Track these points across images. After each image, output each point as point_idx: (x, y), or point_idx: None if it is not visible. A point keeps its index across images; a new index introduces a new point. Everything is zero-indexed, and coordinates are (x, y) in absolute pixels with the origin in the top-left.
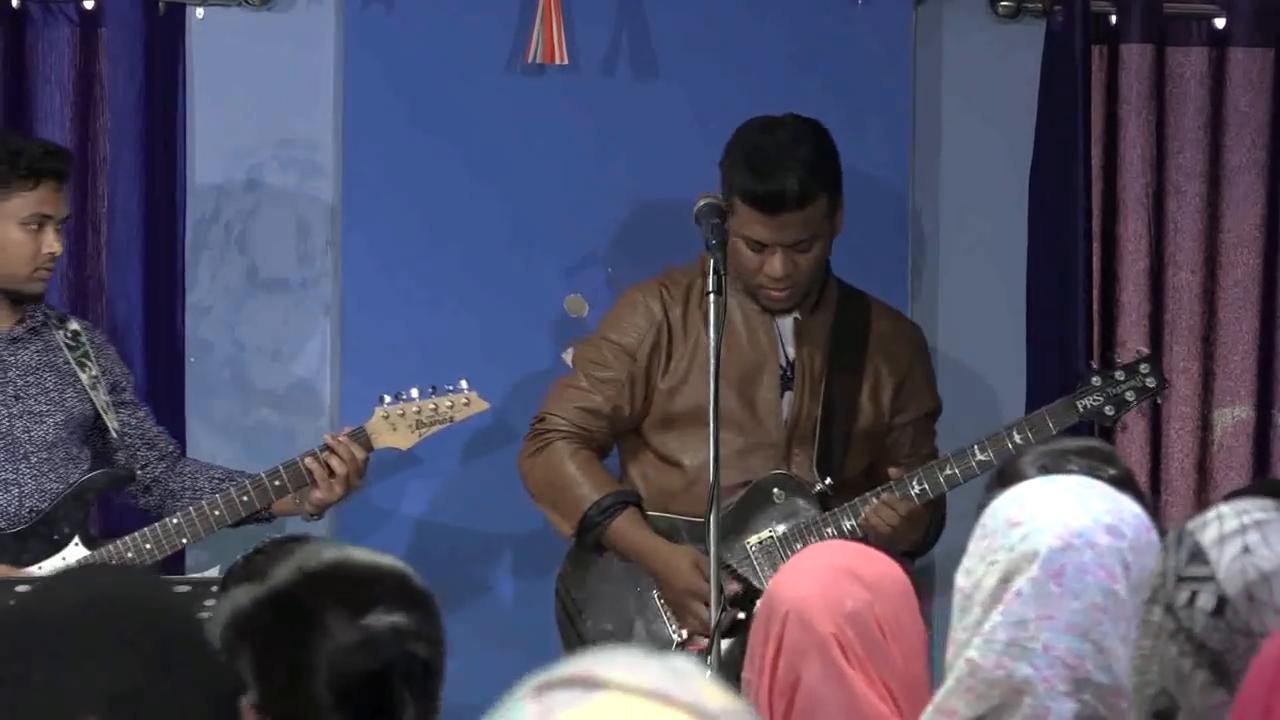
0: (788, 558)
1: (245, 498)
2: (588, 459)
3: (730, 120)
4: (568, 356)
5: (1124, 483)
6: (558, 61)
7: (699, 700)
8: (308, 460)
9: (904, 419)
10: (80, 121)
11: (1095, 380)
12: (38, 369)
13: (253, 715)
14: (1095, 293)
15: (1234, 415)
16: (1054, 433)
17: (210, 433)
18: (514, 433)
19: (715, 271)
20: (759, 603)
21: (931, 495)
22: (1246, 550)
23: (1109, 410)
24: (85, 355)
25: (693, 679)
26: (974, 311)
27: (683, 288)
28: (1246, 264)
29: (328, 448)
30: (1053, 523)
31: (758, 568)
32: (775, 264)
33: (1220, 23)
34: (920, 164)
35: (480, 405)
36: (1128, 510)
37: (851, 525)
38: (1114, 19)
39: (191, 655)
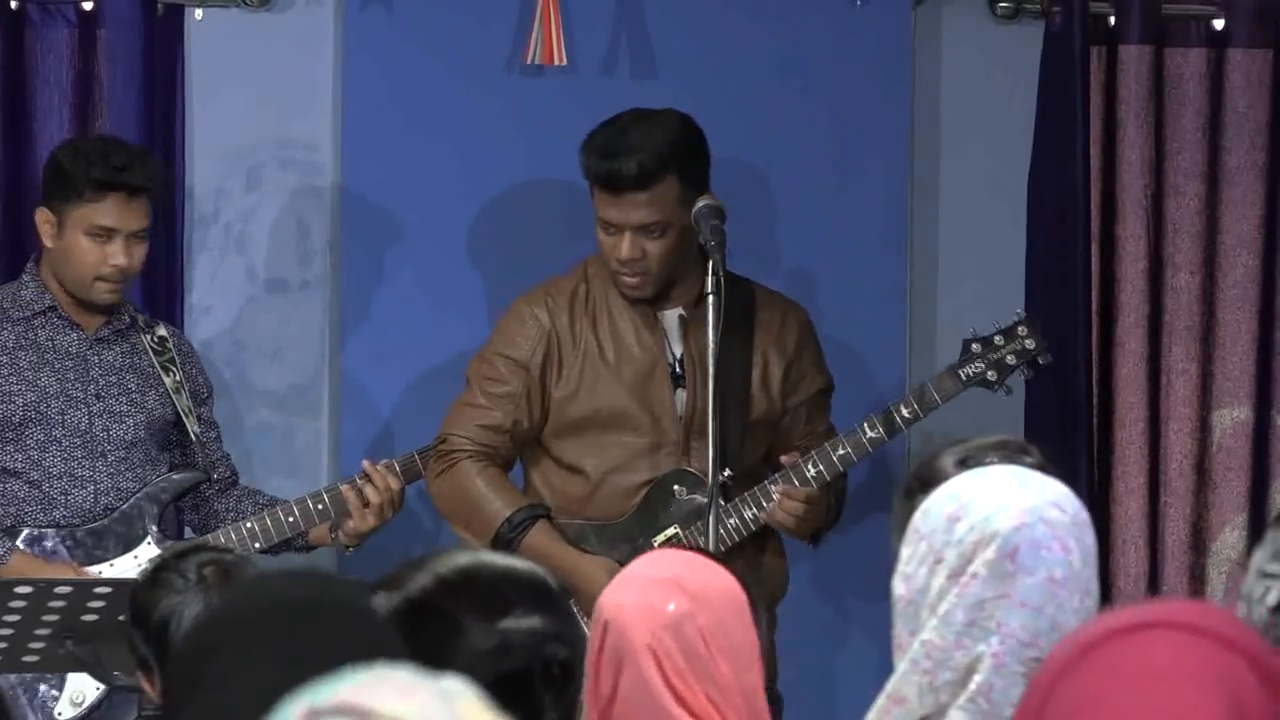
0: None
1: (290, 518)
2: (494, 475)
3: (728, 121)
4: None
5: (1042, 468)
6: (556, 62)
7: None
8: (344, 488)
9: (795, 400)
10: (79, 122)
11: (975, 347)
12: (121, 370)
13: None
14: (1095, 293)
15: (1233, 416)
16: (939, 403)
17: None
18: None
19: (714, 272)
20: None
21: (828, 477)
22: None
23: (991, 375)
24: (171, 360)
25: (461, 704)
26: (973, 312)
27: (567, 295)
28: (1245, 265)
29: (365, 476)
30: (1001, 506)
31: None
32: (623, 246)
33: (1219, 24)
34: (919, 165)
35: None
36: (1061, 489)
37: (753, 514)
38: (1113, 20)
39: (394, 650)
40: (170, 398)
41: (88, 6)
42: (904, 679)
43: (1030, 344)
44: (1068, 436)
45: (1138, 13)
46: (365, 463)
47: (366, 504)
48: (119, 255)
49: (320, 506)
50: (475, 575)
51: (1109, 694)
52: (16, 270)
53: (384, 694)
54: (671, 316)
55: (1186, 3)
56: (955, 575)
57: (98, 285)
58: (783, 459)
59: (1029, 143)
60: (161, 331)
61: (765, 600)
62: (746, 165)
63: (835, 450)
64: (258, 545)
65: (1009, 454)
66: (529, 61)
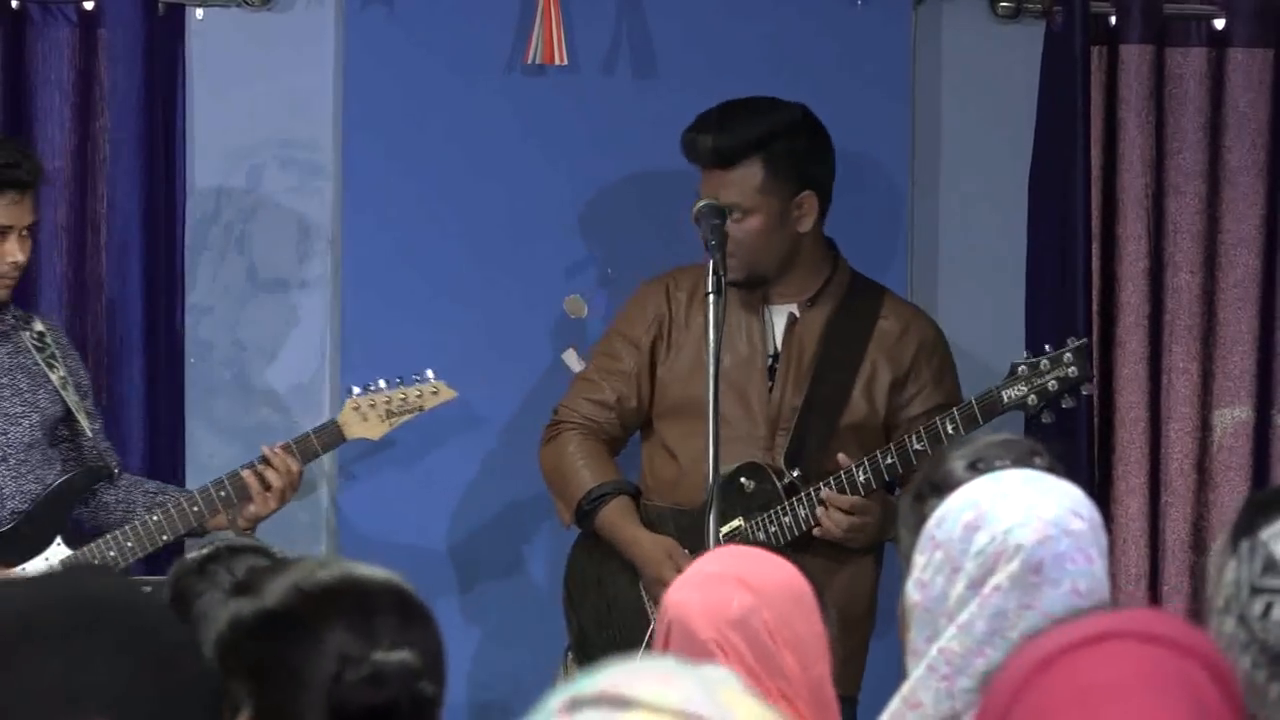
0: (754, 544)
1: (195, 508)
2: (592, 449)
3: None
4: (567, 357)
5: (1053, 470)
6: (557, 62)
7: (728, 716)
8: (245, 474)
9: (910, 414)
10: (80, 122)
11: (1021, 370)
12: (10, 371)
13: None
14: (1095, 293)
15: (1234, 416)
16: (981, 424)
17: (210, 433)
18: (514, 432)
19: (715, 272)
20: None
21: (875, 485)
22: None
23: (1032, 400)
24: (53, 356)
25: (726, 694)
26: (974, 311)
27: (690, 280)
28: (1246, 264)
29: (265, 460)
30: (1022, 517)
31: None
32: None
33: (1220, 23)
34: (920, 165)
35: (448, 394)
36: (1078, 494)
37: (805, 513)
38: (1113, 20)
39: (185, 658)
40: (60, 394)
41: (89, 6)
42: (920, 684)
43: (1073, 371)
44: (1068, 437)
45: (1138, 12)
46: (264, 448)
47: (268, 488)
48: (16, 252)
49: (224, 494)
50: (341, 591)
51: (1070, 708)
52: None
53: (645, 682)
54: (782, 312)
55: (1187, 2)
56: (975, 585)
57: None
58: (839, 458)
59: (1029, 142)
60: (39, 326)
61: (837, 604)
62: None
63: (884, 459)
64: (165, 537)
65: (1020, 456)
66: (530, 61)
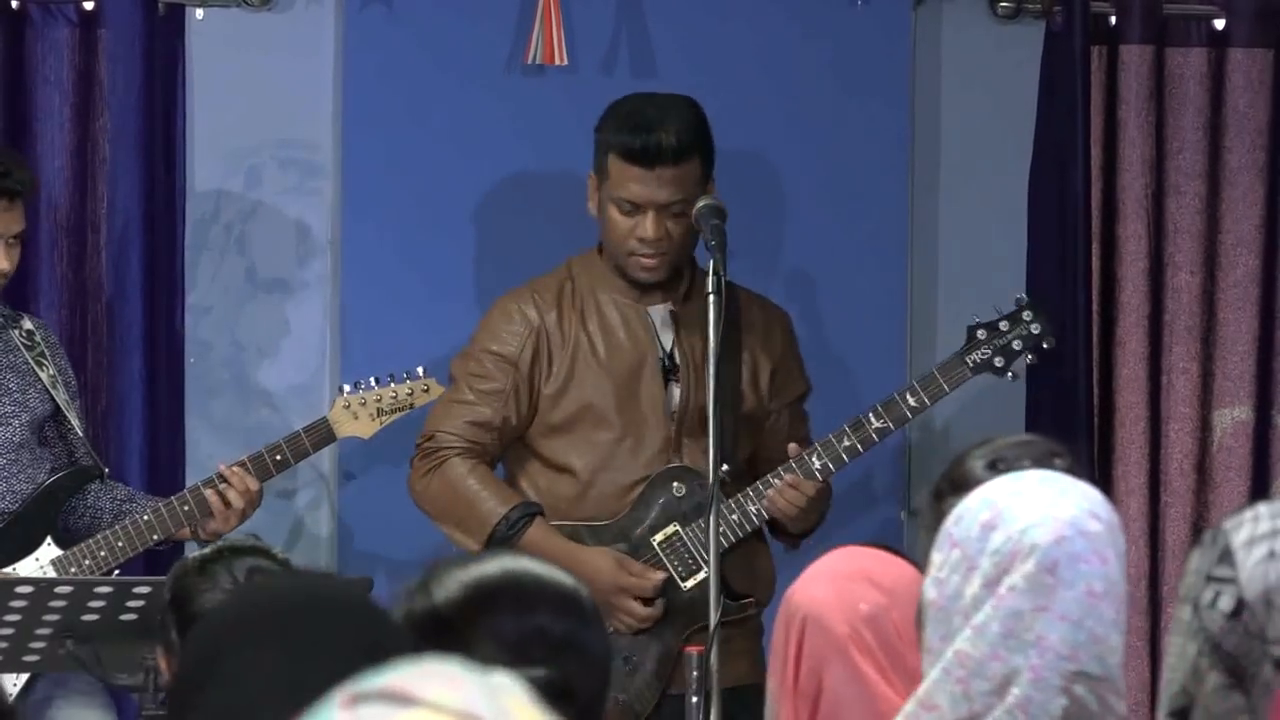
0: (696, 550)
1: (154, 535)
2: (485, 473)
3: (729, 121)
4: None
5: (1072, 471)
6: (557, 62)
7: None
8: (207, 492)
9: (779, 403)
10: (80, 122)
11: (980, 334)
12: (0, 370)
13: None
14: (1095, 293)
15: (1234, 416)
16: (947, 391)
17: (210, 433)
18: None
19: (715, 272)
20: (780, 608)
21: (834, 469)
22: (1272, 555)
23: (998, 361)
24: (42, 354)
25: (507, 698)
26: (974, 311)
27: (554, 291)
28: (1246, 265)
29: (223, 479)
30: (1039, 517)
31: (668, 564)
32: (648, 225)
33: (1220, 23)
34: (919, 165)
35: (439, 390)
36: (1096, 495)
37: (756, 509)
38: (1113, 20)
39: (398, 646)
40: (49, 393)
41: (89, 6)
42: (937, 686)
43: (1035, 328)
44: (1068, 436)
45: (1138, 12)
46: (221, 466)
47: (228, 505)
48: (2, 259)
49: (186, 509)
50: (502, 591)
51: None
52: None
53: (430, 683)
54: (660, 311)
55: (1187, 2)
56: (990, 584)
57: None
58: (790, 447)
59: (1029, 142)
60: (28, 325)
61: (759, 601)
62: (746, 165)
63: (840, 441)
64: (156, 537)
65: (1040, 457)
66: (529, 61)
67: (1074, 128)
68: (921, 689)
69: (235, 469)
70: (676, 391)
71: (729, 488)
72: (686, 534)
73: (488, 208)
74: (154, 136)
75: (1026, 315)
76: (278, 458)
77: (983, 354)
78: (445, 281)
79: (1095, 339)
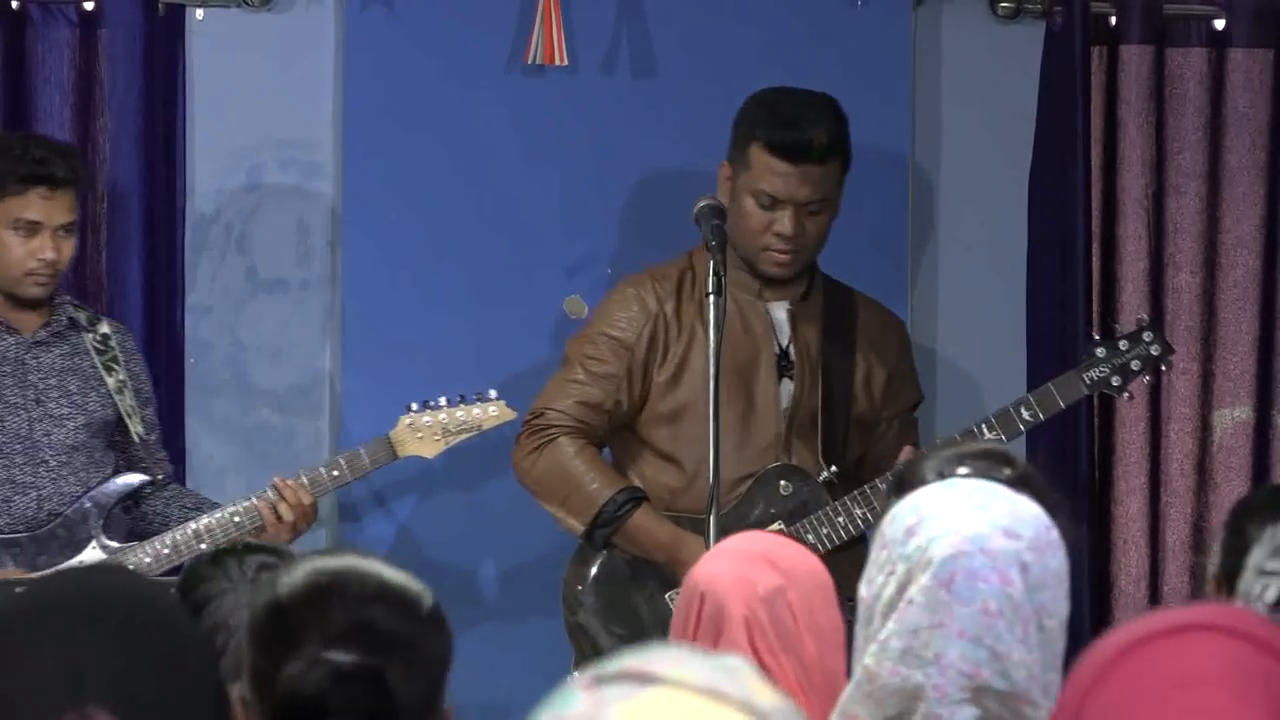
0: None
1: (202, 544)
2: (593, 455)
3: (728, 121)
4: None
5: (1022, 482)
6: (557, 62)
7: (750, 698)
8: (260, 504)
9: (891, 411)
10: (80, 122)
11: (1099, 351)
12: (61, 372)
13: (240, 707)
14: (1095, 293)
15: (1234, 416)
16: (1061, 407)
17: (210, 433)
18: (512, 433)
19: (715, 273)
20: (682, 585)
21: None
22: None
23: (1115, 380)
24: (114, 359)
25: (744, 677)
26: (974, 312)
27: (673, 280)
28: (1246, 265)
29: (277, 492)
30: (946, 530)
31: None
32: (786, 221)
33: (1220, 24)
34: (919, 165)
35: (508, 414)
36: (1025, 510)
37: (863, 513)
38: (1114, 20)
39: (190, 652)
40: (112, 398)
41: (89, 6)
42: (851, 699)
43: (1155, 349)
44: (1068, 436)
45: (1138, 12)
46: (276, 479)
47: (280, 518)
48: (47, 249)
49: (237, 519)
50: (330, 590)
51: (1146, 697)
52: None
53: (669, 663)
54: (779, 309)
55: (1187, 3)
56: (900, 591)
57: (27, 280)
58: (905, 452)
59: (1029, 143)
60: (105, 329)
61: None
62: None
63: None
64: (202, 545)
65: (988, 465)
66: (530, 61)
67: (1074, 128)
68: (842, 699)
69: (289, 482)
70: (790, 389)
71: (835, 490)
72: (790, 532)
73: (487, 208)
74: (154, 136)
75: (1146, 336)
76: (335, 473)
77: (1100, 372)
78: (445, 281)
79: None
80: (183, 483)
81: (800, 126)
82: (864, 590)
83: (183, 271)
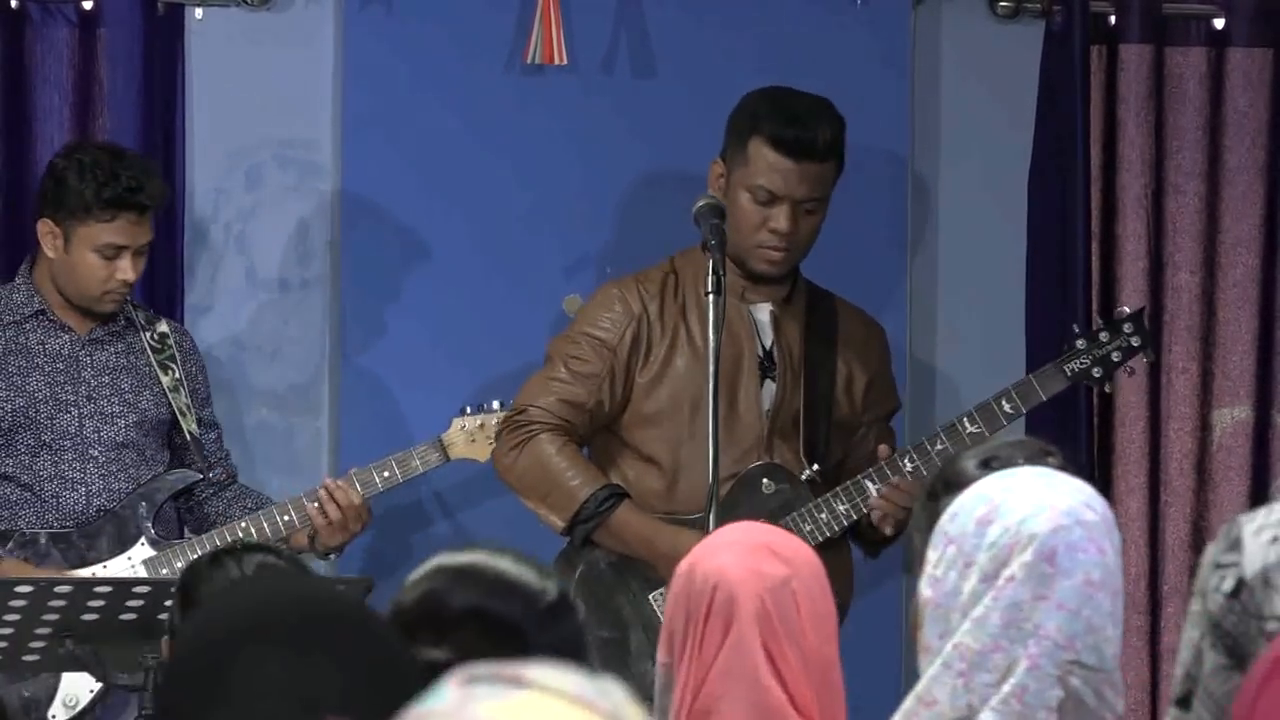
0: None
1: (280, 525)
2: (574, 452)
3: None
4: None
5: (1063, 469)
6: (557, 62)
7: (618, 711)
8: (308, 505)
9: (871, 415)
10: (79, 122)
11: (1080, 343)
12: (115, 370)
13: None
14: (1095, 293)
15: (1234, 416)
16: (1044, 399)
17: None
18: None
19: (715, 271)
20: (675, 576)
21: (925, 472)
22: (1275, 540)
23: (1096, 372)
24: (170, 358)
25: (616, 695)
26: (973, 312)
27: (657, 283)
28: (1246, 264)
29: (327, 492)
30: (1036, 508)
31: None
32: (782, 218)
33: (1219, 23)
34: (919, 164)
35: None
36: (1090, 490)
37: (846, 508)
38: (1113, 19)
39: (401, 659)
40: (166, 396)
41: (88, 6)
42: (935, 681)
43: (1135, 340)
44: (1068, 436)
45: (1138, 12)
46: (326, 480)
47: (329, 521)
48: (128, 271)
49: (286, 519)
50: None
51: None
52: (15, 269)
53: (541, 671)
54: (761, 311)
55: (1187, 2)
56: (989, 579)
57: (104, 298)
58: (880, 449)
59: (1029, 142)
60: (163, 328)
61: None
62: None
63: (934, 445)
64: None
65: (1032, 455)
66: (529, 61)
67: (1074, 127)
68: (920, 685)
69: (339, 483)
70: (772, 390)
71: (818, 488)
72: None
73: (487, 207)
74: (154, 136)
75: (1127, 327)
76: (385, 474)
77: (1081, 363)
78: (444, 281)
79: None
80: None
81: (805, 123)
82: (928, 591)
83: (182, 271)
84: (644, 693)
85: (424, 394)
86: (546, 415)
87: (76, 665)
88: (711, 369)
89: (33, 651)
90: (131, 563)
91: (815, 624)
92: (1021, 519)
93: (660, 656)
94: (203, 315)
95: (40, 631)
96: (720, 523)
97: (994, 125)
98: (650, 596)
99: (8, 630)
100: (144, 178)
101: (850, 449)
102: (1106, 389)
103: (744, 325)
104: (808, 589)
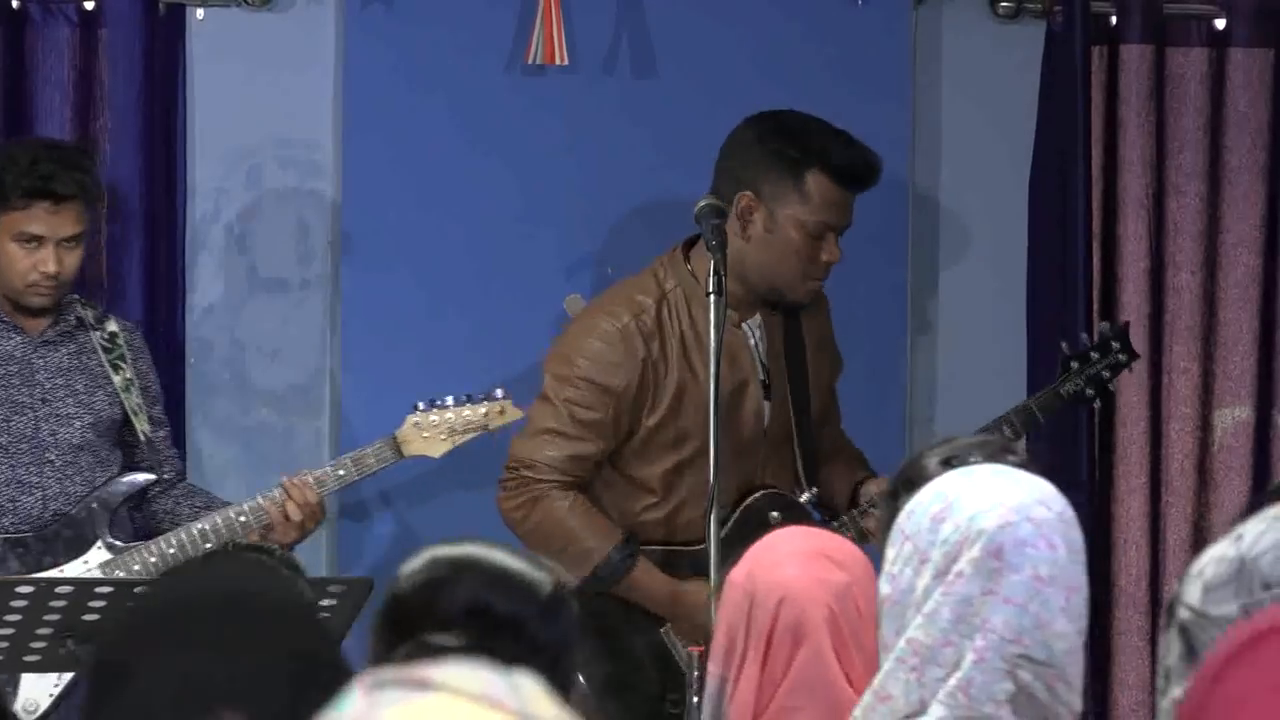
0: None
1: (207, 543)
2: (585, 508)
3: (730, 120)
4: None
5: (1025, 469)
6: (558, 62)
7: (528, 708)
8: (266, 504)
9: (831, 384)
10: (80, 121)
11: (1074, 365)
12: (68, 371)
13: None
14: (1095, 293)
15: (1234, 416)
16: (1041, 423)
17: (210, 433)
18: (513, 433)
19: (715, 272)
20: (728, 585)
21: None
22: (1239, 538)
23: (1089, 392)
24: (120, 358)
25: (528, 691)
26: (974, 312)
27: (653, 315)
28: (1246, 264)
29: (285, 491)
30: (988, 504)
31: None
32: (835, 248)
33: (1220, 23)
34: (920, 165)
35: (515, 414)
36: (1047, 486)
37: (855, 536)
38: (1114, 20)
39: (321, 652)
40: (119, 396)
41: (89, 6)
42: (890, 676)
43: (1123, 356)
44: (1069, 436)
45: (1139, 12)
46: (284, 478)
47: (287, 518)
48: (49, 262)
49: (243, 519)
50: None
51: (1272, 691)
52: None
53: (448, 672)
54: (755, 327)
55: (1188, 2)
56: (941, 574)
57: (28, 291)
58: (872, 488)
59: (1029, 142)
60: (112, 327)
61: None
62: None
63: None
64: (208, 545)
65: (992, 452)
66: (530, 61)
67: (1074, 128)
68: (876, 680)
69: (295, 482)
70: (767, 409)
71: (822, 512)
72: None
73: (488, 207)
74: (154, 136)
75: (1115, 344)
76: (340, 473)
77: (1075, 385)
78: (445, 280)
79: (1096, 339)
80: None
81: (864, 153)
82: (886, 588)
83: (183, 271)
84: None
85: (424, 394)
86: (554, 472)
87: (77, 665)
88: (712, 368)
89: (33, 652)
90: (89, 567)
91: (872, 623)
92: (972, 515)
93: (712, 666)
94: (203, 315)
95: (41, 632)
96: (729, 556)
97: (995, 126)
98: (662, 630)
99: (8, 631)
100: (61, 168)
101: (824, 441)
102: (1097, 405)
103: (745, 350)
104: (865, 591)
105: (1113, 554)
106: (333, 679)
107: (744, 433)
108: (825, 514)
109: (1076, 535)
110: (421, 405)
